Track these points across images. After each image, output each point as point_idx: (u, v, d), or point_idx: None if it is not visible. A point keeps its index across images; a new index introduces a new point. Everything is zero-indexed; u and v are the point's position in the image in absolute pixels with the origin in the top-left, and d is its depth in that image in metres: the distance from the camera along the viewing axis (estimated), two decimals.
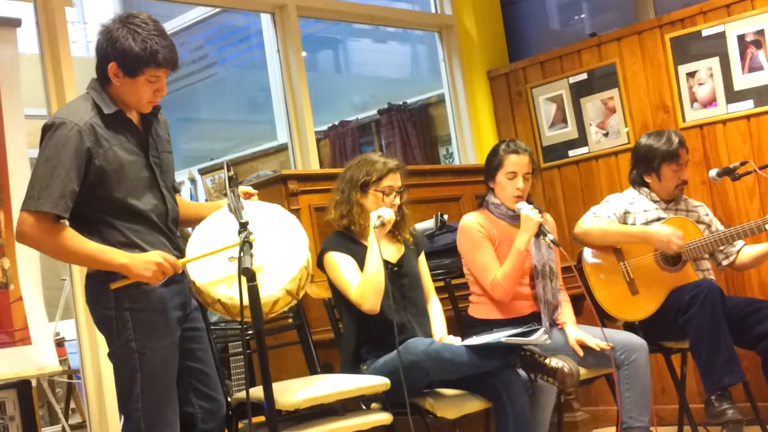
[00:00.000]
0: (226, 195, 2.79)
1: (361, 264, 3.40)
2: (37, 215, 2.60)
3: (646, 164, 4.08)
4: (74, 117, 2.67)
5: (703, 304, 3.71)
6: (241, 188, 2.98)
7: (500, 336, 3.25)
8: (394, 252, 3.58)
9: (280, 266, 2.76)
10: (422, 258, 3.72)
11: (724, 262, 4.11)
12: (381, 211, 3.40)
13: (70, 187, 2.62)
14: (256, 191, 3.03)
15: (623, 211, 4.06)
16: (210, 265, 2.75)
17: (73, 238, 2.65)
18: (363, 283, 3.35)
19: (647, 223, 4.03)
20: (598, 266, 4.06)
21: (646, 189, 4.11)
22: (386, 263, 3.43)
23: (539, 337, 3.26)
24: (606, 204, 4.13)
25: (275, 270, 2.74)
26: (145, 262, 2.65)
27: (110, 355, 2.78)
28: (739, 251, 4.09)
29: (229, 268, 2.70)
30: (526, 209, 3.68)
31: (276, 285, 2.73)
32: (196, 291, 2.79)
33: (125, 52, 2.66)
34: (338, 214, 3.54)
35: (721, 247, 4.03)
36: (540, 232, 3.66)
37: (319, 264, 3.51)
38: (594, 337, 3.62)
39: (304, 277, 2.82)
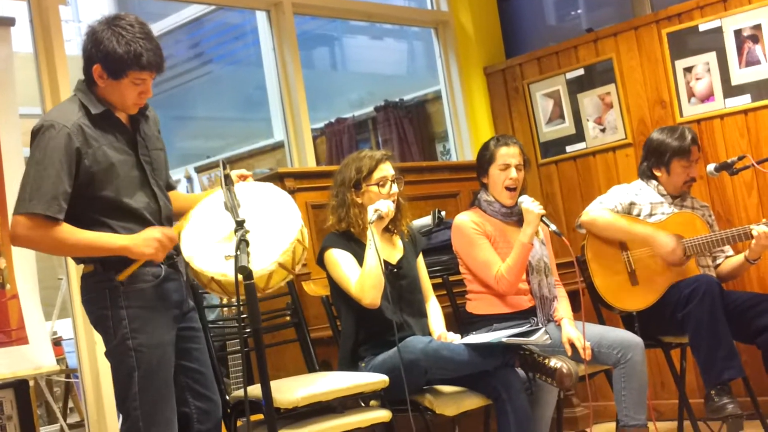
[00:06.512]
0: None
1: (362, 262, 3.39)
2: (29, 217, 2.58)
3: (657, 157, 4.09)
4: (62, 119, 2.66)
5: (702, 299, 3.72)
6: (235, 172, 2.96)
7: (500, 336, 3.24)
8: (393, 253, 3.57)
9: (273, 240, 2.74)
10: (420, 259, 3.71)
11: (712, 264, 4.12)
12: (378, 204, 3.39)
13: (62, 188, 2.60)
14: (250, 173, 3.01)
15: (629, 202, 4.07)
16: (208, 256, 2.74)
17: (68, 230, 2.62)
18: (363, 278, 3.34)
19: (651, 215, 4.04)
20: (600, 254, 4.06)
21: (654, 182, 4.12)
22: (386, 264, 3.41)
23: (540, 337, 3.26)
24: (612, 193, 4.13)
25: (268, 244, 2.72)
26: (145, 240, 2.65)
27: (107, 354, 2.77)
28: (726, 258, 4.11)
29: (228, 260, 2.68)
30: (527, 202, 3.68)
31: (269, 258, 2.71)
32: (192, 273, 2.79)
33: (109, 54, 2.65)
34: (336, 219, 3.52)
35: (717, 248, 4.04)
36: (542, 223, 3.66)
37: (320, 261, 3.50)
38: (588, 340, 3.61)
39: (299, 251, 2.80)
